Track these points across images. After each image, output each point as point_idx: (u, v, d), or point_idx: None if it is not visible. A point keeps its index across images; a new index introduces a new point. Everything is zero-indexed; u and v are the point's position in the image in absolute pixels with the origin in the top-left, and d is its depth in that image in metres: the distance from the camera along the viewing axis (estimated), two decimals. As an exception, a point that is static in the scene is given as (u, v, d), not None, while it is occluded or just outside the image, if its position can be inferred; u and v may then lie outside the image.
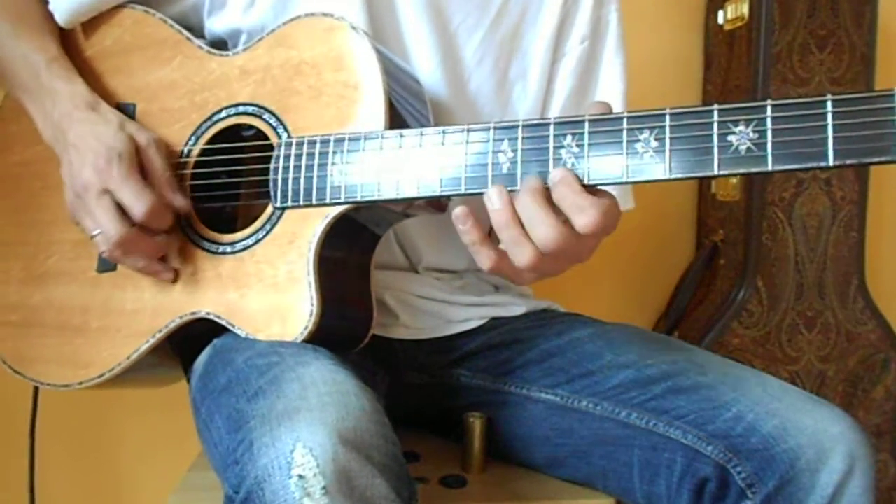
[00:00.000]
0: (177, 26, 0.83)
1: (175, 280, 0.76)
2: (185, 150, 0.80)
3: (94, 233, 0.74)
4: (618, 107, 0.89)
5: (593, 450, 0.80)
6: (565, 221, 0.60)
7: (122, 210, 0.73)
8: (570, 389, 0.82)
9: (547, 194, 0.61)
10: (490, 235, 0.64)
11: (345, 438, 0.54)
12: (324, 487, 0.52)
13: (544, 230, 0.60)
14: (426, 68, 0.84)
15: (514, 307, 0.92)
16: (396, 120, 0.71)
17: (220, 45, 0.85)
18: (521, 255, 0.62)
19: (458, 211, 0.63)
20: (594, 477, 0.81)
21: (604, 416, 0.79)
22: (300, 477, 0.52)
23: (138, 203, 0.72)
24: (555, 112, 0.90)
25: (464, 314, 0.90)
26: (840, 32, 1.36)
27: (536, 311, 0.94)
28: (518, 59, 0.88)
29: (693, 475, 0.72)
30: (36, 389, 0.99)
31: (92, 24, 0.87)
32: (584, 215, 0.59)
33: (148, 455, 1.46)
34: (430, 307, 0.89)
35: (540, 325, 0.90)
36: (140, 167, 0.75)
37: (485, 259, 0.64)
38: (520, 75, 0.88)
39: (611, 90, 0.91)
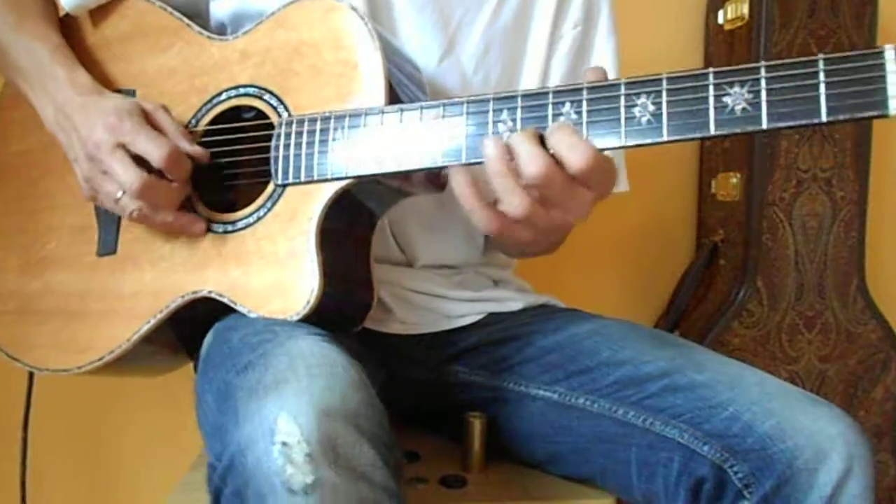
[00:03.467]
0: (177, 14, 0.84)
1: (206, 231, 0.76)
2: None
3: (117, 195, 0.73)
4: None
5: (592, 447, 0.80)
6: (557, 161, 0.60)
7: (139, 160, 0.72)
8: (568, 386, 0.81)
9: (540, 137, 0.61)
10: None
11: (331, 407, 0.54)
12: (308, 454, 0.52)
13: (534, 162, 0.59)
14: (430, 64, 0.84)
15: (512, 302, 0.92)
16: (395, 101, 0.71)
17: (223, 31, 0.86)
18: (515, 204, 0.61)
19: (455, 175, 0.63)
20: (594, 474, 0.81)
21: (601, 413, 0.79)
22: (284, 444, 0.52)
23: (157, 149, 0.72)
24: None
25: (460, 309, 0.90)
26: (840, 32, 1.36)
27: (534, 306, 0.93)
28: (521, 43, 0.89)
29: (690, 475, 0.72)
30: (30, 387, 0.99)
31: (94, 13, 0.87)
32: (577, 152, 0.59)
33: (147, 454, 1.45)
34: (426, 302, 0.89)
35: (538, 321, 0.89)
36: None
37: (483, 220, 0.63)
38: (525, 60, 0.89)
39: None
